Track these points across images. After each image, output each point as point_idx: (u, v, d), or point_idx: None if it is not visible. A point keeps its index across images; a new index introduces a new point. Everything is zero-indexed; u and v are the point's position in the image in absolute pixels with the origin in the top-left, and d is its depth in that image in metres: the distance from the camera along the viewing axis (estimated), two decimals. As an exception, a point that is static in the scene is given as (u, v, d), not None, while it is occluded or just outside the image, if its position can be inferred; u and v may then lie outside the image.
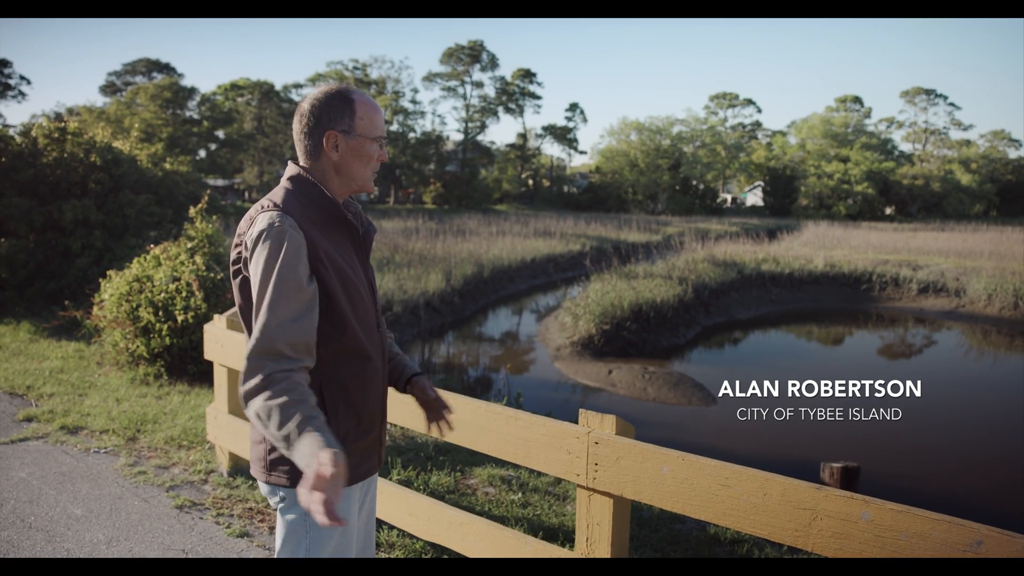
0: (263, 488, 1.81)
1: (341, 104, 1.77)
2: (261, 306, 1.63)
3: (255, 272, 1.67)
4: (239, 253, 1.75)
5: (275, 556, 1.79)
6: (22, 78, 47.70)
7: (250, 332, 1.73)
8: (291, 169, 1.82)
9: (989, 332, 16.10)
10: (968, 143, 64.62)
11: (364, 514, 1.96)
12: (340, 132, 1.76)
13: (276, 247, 1.64)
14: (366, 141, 1.79)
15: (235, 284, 1.78)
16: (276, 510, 1.80)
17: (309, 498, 1.37)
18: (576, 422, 2.54)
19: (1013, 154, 65.07)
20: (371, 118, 1.79)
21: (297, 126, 1.81)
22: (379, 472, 4.16)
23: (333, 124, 1.76)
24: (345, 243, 1.81)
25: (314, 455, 1.45)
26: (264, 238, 1.66)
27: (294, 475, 1.71)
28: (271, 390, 1.56)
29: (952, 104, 67.35)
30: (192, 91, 48.69)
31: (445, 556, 3.28)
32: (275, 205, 1.72)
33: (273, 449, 1.73)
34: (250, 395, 1.59)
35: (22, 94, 47.81)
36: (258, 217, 1.72)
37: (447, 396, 2.89)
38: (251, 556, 3.32)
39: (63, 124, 10.27)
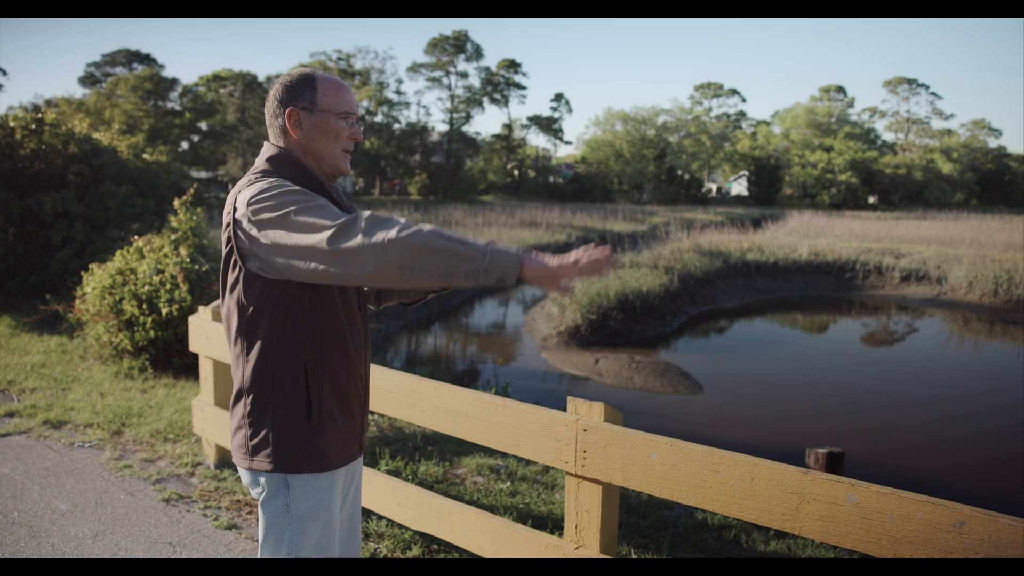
0: (245, 477, 1.77)
1: (302, 82, 1.77)
2: (307, 229, 1.54)
3: (271, 219, 1.58)
4: (229, 224, 1.68)
5: (258, 548, 1.76)
6: (-2, 69, 46.94)
7: (242, 313, 1.70)
8: (268, 148, 1.79)
9: (970, 319, 16.32)
10: (949, 132, 65.25)
11: (348, 505, 1.94)
12: (302, 109, 1.75)
13: (283, 186, 1.62)
14: (330, 116, 1.76)
15: (223, 252, 1.71)
16: (258, 501, 1.77)
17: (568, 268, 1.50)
18: (564, 410, 2.54)
19: (993, 143, 65.82)
20: (334, 93, 1.77)
21: (267, 111, 1.81)
22: (367, 462, 4.17)
23: (294, 101, 1.76)
24: None
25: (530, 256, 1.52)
26: (264, 189, 1.62)
27: (277, 460, 1.69)
28: (398, 228, 1.50)
29: (934, 94, 67.85)
30: (173, 82, 48.08)
31: (435, 546, 3.28)
32: (264, 172, 1.71)
33: (256, 434, 1.71)
34: (389, 247, 1.48)
35: (-2, 85, 46.99)
36: (249, 186, 1.68)
37: (431, 383, 2.89)
38: (239, 548, 3.30)
39: (40, 115, 10.11)
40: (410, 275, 1.50)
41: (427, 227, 1.53)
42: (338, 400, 1.76)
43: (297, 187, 1.65)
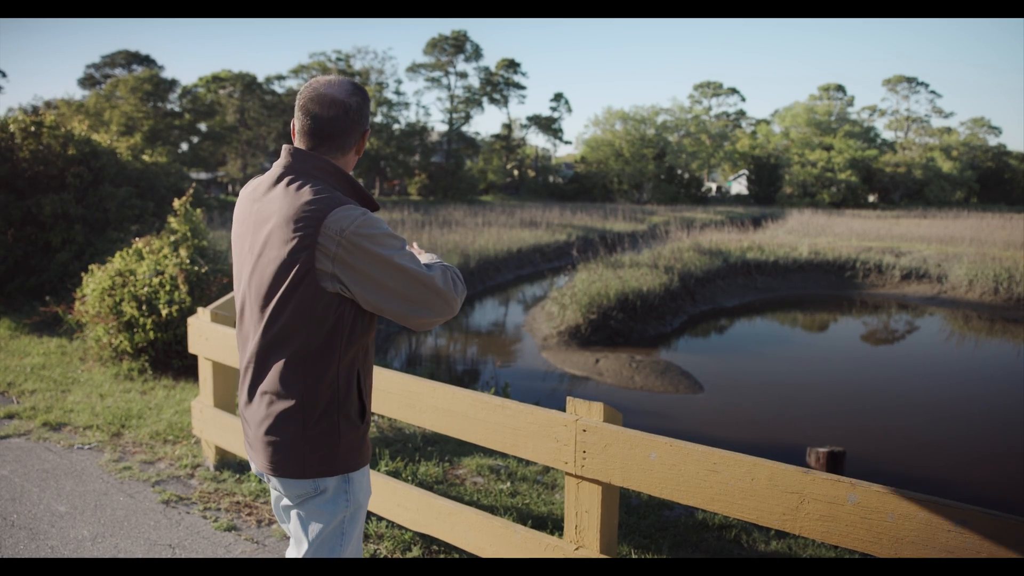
0: (294, 487, 1.77)
1: (367, 101, 1.81)
2: (409, 275, 1.70)
3: (377, 256, 1.67)
4: (308, 246, 1.64)
5: (306, 547, 1.79)
6: (-2, 71, 46.93)
7: (313, 329, 1.72)
8: (321, 160, 1.74)
9: (970, 317, 16.31)
10: (949, 131, 65.20)
11: None
12: (367, 129, 1.82)
13: (382, 227, 1.70)
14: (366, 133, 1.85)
15: (293, 270, 1.66)
16: (303, 504, 1.79)
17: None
18: (564, 410, 2.53)
19: (993, 141, 65.74)
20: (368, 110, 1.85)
21: (339, 120, 1.74)
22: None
23: (366, 122, 1.80)
24: None
25: None
26: (362, 226, 1.66)
27: (347, 463, 1.79)
28: (453, 275, 1.84)
29: (933, 92, 67.78)
30: (173, 83, 48.05)
31: (435, 547, 3.27)
32: (338, 201, 1.69)
33: (322, 444, 1.74)
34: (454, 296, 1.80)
35: (-2, 87, 46.98)
36: (343, 211, 1.66)
37: (430, 383, 2.88)
38: (239, 549, 3.30)
39: (40, 117, 10.10)
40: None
41: (442, 264, 1.85)
42: (370, 398, 1.89)
43: (387, 226, 1.72)
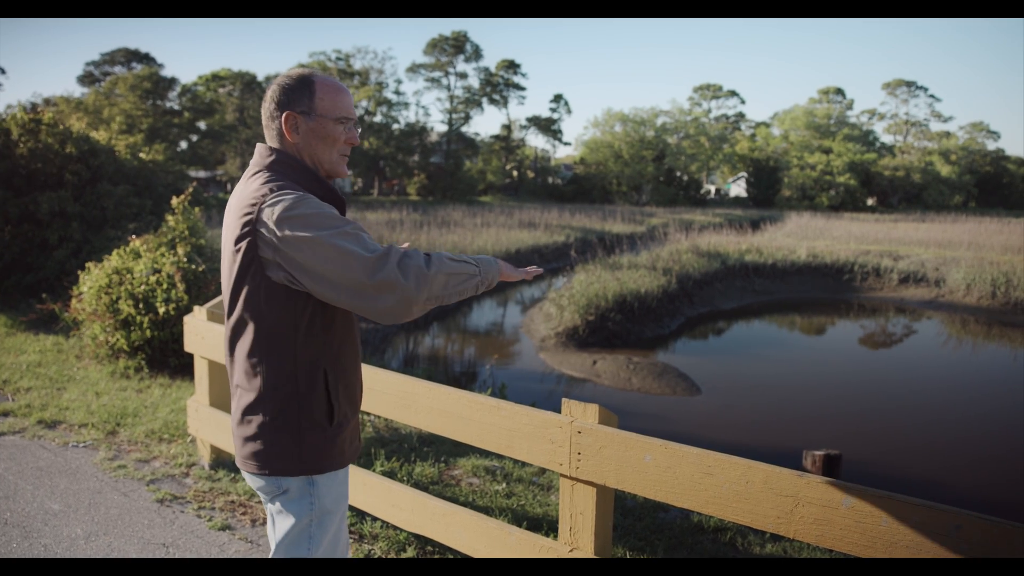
0: (258, 482, 1.78)
1: (300, 85, 1.74)
2: (344, 257, 1.57)
3: (306, 240, 1.58)
4: (248, 235, 1.64)
5: (274, 547, 1.79)
6: (-3, 68, 46.88)
7: (263, 322, 1.69)
8: (265, 150, 1.76)
9: (968, 321, 16.32)
10: (948, 135, 65.34)
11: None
12: (299, 113, 1.73)
13: (315, 207, 1.62)
14: (328, 122, 1.74)
15: (238, 259, 1.66)
16: (272, 503, 1.78)
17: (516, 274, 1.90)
18: (559, 412, 2.53)
19: (991, 146, 65.93)
20: (332, 98, 1.75)
21: (263, 112, 1.79)
22: (363, 463, 4.15)
23: (292, 105, 1.73)
24: None
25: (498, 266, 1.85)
26: (294, 205, 1.60)
27: (307, 463, 1.73)
28: (426, 261, 1.65)
29: (932, 96, 67.98)
30: (172, 82, 48.08)
31: (429, 547, 3.27)
32: (279, 187, 1.66)
33: (279, 441, 1.72)
34: (418, 288, 1.61)
35: (-3, 84, 46.92)
36: (278, 197, 1.63)
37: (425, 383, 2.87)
38: (233, 548, 3.29)
39: (38, 115, 10.09)
40: (429, 304, 1.65)
41: (437, 254, 1.70)
42: (350, 401, 1.83)
43: (328, 208, 1.64)
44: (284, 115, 1.73)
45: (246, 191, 1.69)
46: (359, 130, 1.86)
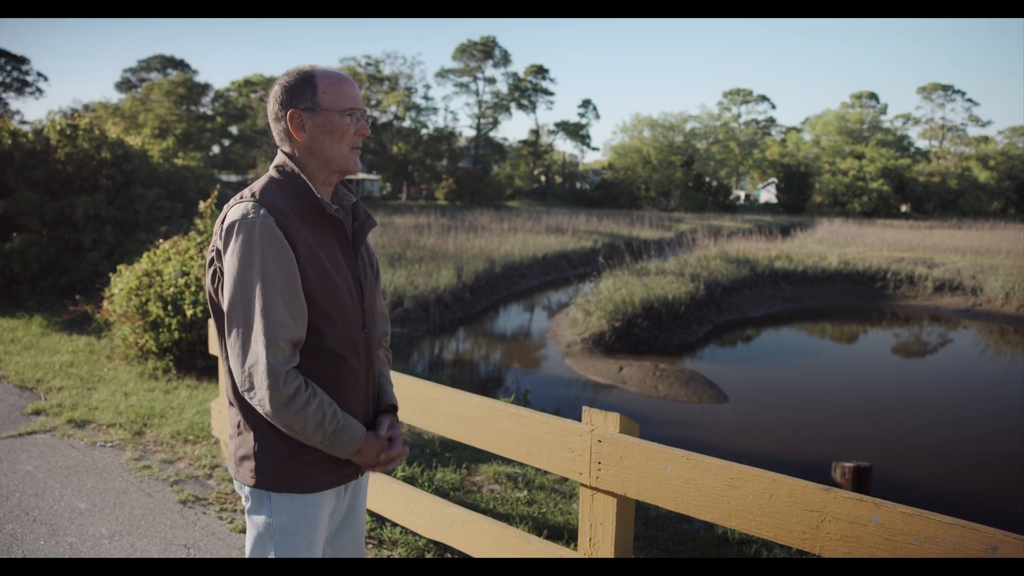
0: (235, 483, 1.77)
1: (302, 81, 1.69)
2: (251, 310, 1.57)
3: (230, 269, 1.59)
4: (213, 245, 1.68)
5: (247, 547, 1.76)
6: (39, 75, 48.22)
7: (222, 332, 1.67)
8: (278, 158, 1.74)
9: (1006, 331, 15.88)
10: (986, 140, 63.79)
11: (356, 523, 1.91)
12: (304, 110, 1.68)
13: (250, 240, 1.57)
14: (334, 115, 1.69)
15: (207, 275, 1.71)
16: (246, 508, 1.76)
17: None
18: (580, 419, 2.49)
19: (1032, 151, 64.14)
20: (336, 90, 1.70)
21: (269, 114, 1.75)
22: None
23: (295, 103, 1.69)
24: (329, 238, 1.71)
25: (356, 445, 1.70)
26: (238, 230, 1.59)
27: (259, 476, 1.67)
28: (295, 400, 1.59)
29: (970, 100, 66.39)
30: (206, 87, 48.93)
31: (448, 555, 3.24)
32: (252, 195, 1.65)
33: (241, 445, 1.70)
34: (276, 408, 1.59)
35: (39, 91, 48.24)
36: (232, 208, 1.65)
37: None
38: (253, 552, 3.29)
39: (75, 120, 10.32)
40: (276, 422, 1.63)
41: (297, 409, 1.60)
42: None
43: (265, 238, 1.57)
44: (289, 114, 1.69)
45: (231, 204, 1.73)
46: (369, 121, 1.80)
